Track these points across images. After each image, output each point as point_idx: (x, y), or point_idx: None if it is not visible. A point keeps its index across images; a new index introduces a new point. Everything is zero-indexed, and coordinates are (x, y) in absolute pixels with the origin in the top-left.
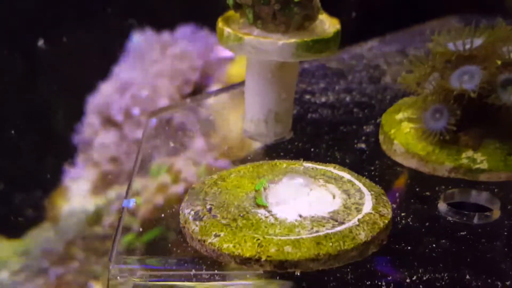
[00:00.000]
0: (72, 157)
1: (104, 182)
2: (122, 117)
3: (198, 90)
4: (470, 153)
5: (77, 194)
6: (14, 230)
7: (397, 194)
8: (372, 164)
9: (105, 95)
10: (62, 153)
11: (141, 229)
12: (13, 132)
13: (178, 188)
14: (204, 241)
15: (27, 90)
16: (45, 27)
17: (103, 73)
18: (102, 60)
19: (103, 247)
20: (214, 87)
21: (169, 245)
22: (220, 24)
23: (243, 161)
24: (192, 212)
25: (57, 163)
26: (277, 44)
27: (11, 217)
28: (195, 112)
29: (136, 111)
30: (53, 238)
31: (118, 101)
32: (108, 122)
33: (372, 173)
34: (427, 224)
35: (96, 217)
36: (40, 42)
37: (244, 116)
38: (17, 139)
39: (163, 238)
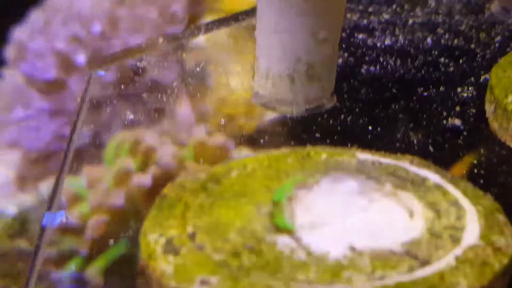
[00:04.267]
0: None
1: (33, 171)
2: (60, 68)
3: (185, 23)
4: None
5: None
6: None
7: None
8: (475, 155)
9: (35, 33)
10: None
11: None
12: None
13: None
14: None
15: None
16: None
17: None
18: None
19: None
20: (208, 19)
21: None
22: None
23: (251, 144)
24: (162, 240)
25: None
26: None
27: None
28: (173, 61)
29: (81, 59)
30: None
31: (55, 42)
32: (39, 76)
33: (475, 171)
34: None
35: (20, 224)
36: None
37: (255, 71)
38: None
39: (114, 282)
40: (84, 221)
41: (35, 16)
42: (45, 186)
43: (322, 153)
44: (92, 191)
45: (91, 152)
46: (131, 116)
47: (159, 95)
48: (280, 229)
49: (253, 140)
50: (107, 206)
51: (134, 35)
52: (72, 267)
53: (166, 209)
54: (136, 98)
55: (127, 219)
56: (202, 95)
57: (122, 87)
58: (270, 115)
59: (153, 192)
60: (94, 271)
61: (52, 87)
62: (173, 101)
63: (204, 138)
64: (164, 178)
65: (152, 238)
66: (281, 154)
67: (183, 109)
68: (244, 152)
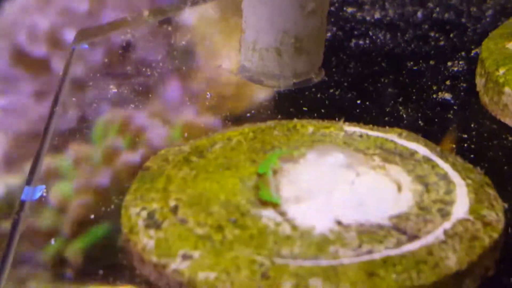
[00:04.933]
0: None
1: (20, 153)
2: (45, 45)
3: None
4: None
5: None
6: None
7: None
8: (466, 130)
9: (17, 10)
10: None
11: (53, 241)
12: None
13: (129, 164)
14: (164, 267)
15: None
16: None
17: None
18: None
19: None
20: None
21: (101, 271)
22: None
23: (238, 120)
24: (144, 213)
25: None
26: None
27: None
28: (159, 34)
29: (69, 35)
30: None
31: (39, 19)
32: (24, 54)
33: (465, 145)
34: None
35: (6, 206)
36: None
37: (242, 43)
38: None
39: (94, 257)
40: (66, 200)
41: None
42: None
43: (309, 126)
44: (78, 169)
45: (77, 129)
46: (117, 93)
47: (147, 72)
48: (265, 202)
49: (242, 120)
50: (93, 184)
51: (122, 12)
52: (52, 247)
53: (148, 182)
54: (123, 75)
55: (114, 198)
56: (190, 73)
57: (106, 60)
58: (257, 90)
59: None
60: (74, 252)
61: (40, 65)
62: (161, 79)
63: (192, 118)
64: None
65: (134, 212)
66: (267, 127)
67: (171, 88)
68: None
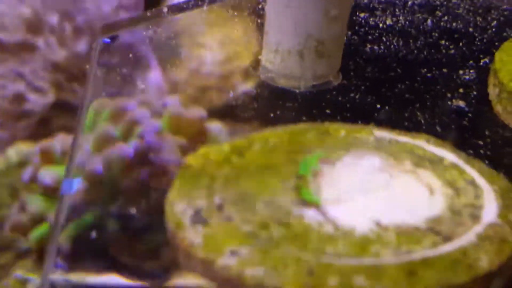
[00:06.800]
0: None
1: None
2: (30, 29)
3: None
4: None
5: None
6: None
7: None
8: (481, 137)
9: None
10: None
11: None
12: None
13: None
14: (212, 262)
15: None
16: None
17: None
18: None
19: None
20: None
21: (146, 265)
22: None
23: (265, 120)
24: (190, 211)
25: None
26: None
27: None
28: (177, 31)
29: (52, 20)
30: None
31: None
32: (8, 37)
33: (481, 151)
34: None
35: None
36: None
37: (263, 45)
38: None
39: (139, 252)
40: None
41: None
42: (13, 151)
43: (341, 130)
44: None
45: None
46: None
47: (168, 70)
48: (306, 202)
49: (268, 121)
50: (86, 172)
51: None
52: (39, 233)
53: (191, 180)
54: (113, 69)
55: (105, 188)
56: (176, 67)
57: (131, 55)
58: (281, 96)
59: (133, 163)
60: (64, 239)
61: (22, 48)
62: (148, 72)
63: (180, 110)
64: (145, 151)
65: (179, 208)
66: (300, 130)
67: (157, 79)
68: (216, 124)
